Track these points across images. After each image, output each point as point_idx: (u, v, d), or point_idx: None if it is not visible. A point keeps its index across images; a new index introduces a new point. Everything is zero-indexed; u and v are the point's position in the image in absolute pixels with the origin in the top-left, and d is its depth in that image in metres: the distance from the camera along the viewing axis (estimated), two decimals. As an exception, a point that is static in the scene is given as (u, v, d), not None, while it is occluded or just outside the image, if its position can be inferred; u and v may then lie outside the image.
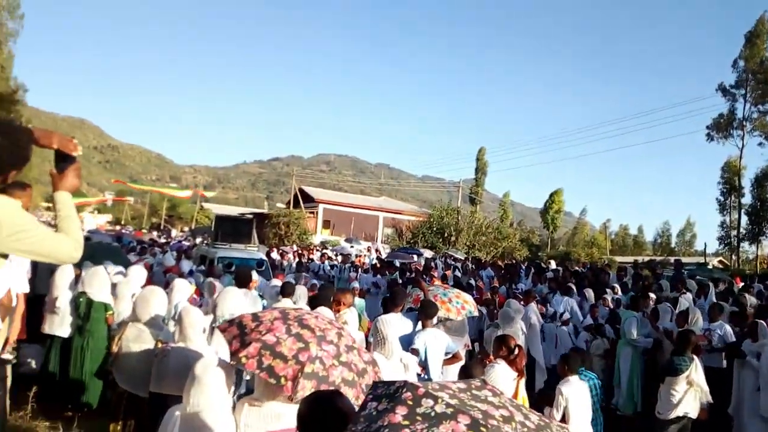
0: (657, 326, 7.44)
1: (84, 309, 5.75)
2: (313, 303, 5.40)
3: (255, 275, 7.20)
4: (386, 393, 1.62)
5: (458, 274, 14.43)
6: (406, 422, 1.43)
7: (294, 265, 16.59)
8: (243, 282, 6.08)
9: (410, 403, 1.51)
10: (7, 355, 5.32)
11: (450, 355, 5.63)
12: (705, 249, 36.98)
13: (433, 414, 1.47)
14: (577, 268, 16.42)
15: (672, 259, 25.38)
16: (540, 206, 54.79)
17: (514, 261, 22.52)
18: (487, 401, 1.64)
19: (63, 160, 2.32)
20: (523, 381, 4.68)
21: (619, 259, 30.41)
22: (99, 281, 5.90)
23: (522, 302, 8.66)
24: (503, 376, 4.49)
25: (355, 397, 2.71)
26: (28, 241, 2.01)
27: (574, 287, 11.49)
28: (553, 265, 17.01)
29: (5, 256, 2.05)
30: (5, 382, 5.24)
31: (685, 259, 25.47)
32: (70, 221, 2.16)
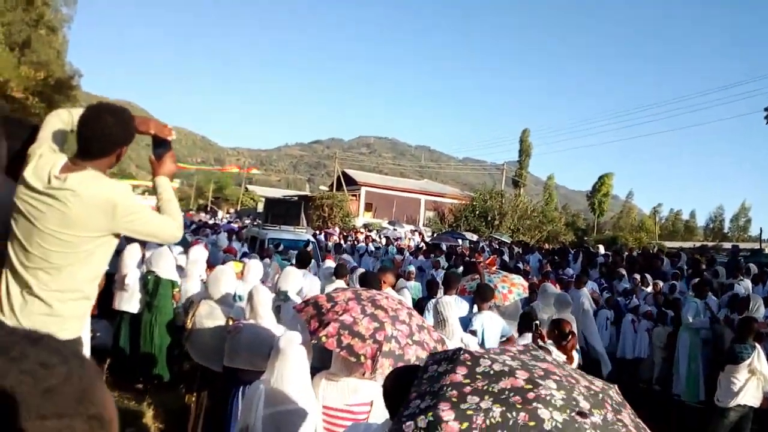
0: (717, 316, 7.31)
1: (152, 286, 6.03)
2: (362, 283, 5.47)
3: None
4: (445, 357, 1.66)
5: (505, 258, 14.36)
6: (467, 380, 1.47)
7: (333, 247, 16.81)
8: (303, 263, 6.24)
9: (469, 363, 1.54)
10: (85, 329, 5.68)
11: (505, 338, 5.69)
12: (761, 234, 35.38)
13: (491, 372, 1.50)
14: (627, 252, 16.03)
15: (725, 245, 24.51)
16: (585, 189, 53.57)
17: (563, 245, 22.17)
18: (546, 361, 1.69)
19: (159, 146, 2.47)
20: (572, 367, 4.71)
21: (668, 244, 29.48)
22: (165, 260, 6.16)
23: (573, 287, 8.60)
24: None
25: (429, 374, 2.82)
26: (139, 222, 2.16)
27: (624, 272, 11.32)
28: (602, 249, 16.68)
29: (117, 236, 2.22)
30: (83, 355, 5.59)
31: (740, 245, 24.51)
32: (171, 204, 2.32)
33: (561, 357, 4.61)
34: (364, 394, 2.92)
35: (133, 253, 6.41)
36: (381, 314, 2.95)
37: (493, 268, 9.29)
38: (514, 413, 1.36)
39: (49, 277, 2.08)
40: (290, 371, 2.67)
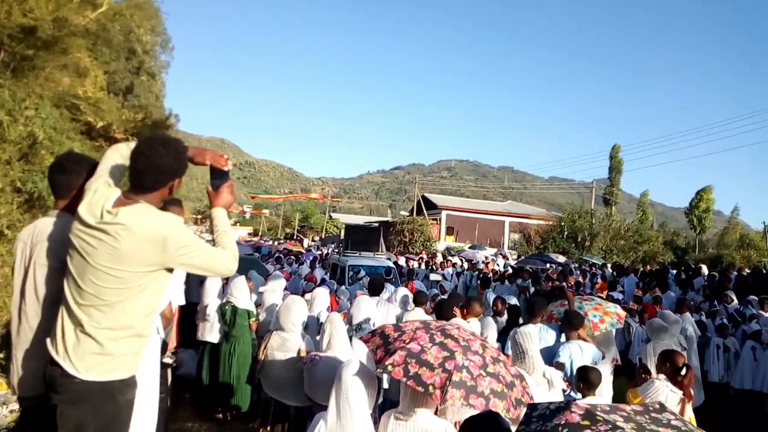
0: None
1: (230, 316, 6.07)
2: (438, 311, 5.22)
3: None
4: (551, 405, 1.49)
5: (597, 281, 13.52)
6: (586, 422, 1.30)
7: (423, 273, 16.54)
8: (375, 290, 6.10)
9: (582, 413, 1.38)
10: (168, 360, 5.80)
11: (595, 365, 5.21)
12: None
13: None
14: (737, 272, 14.56)
15: None
16: (683, 205, 49.89)
17: (662, 266, 20.60)
18: (670, 425, 1.42)
19: (217, 177, 2.41)
20: (690, 405, 4.14)
21: (782, 261, 26.63)
22: (241, 290, 6.21)
23: (676, 312, 7.87)
24: (664, 395, 4.01)
25: (505, 409, 2.58)
26: (191, 256, 2.09)
27: (733, 295, 10.25)
28: (705, 270, 15.31)
29: (170, 270, 2.16)
30: (167, 384, 5.71)
31: None
32: (226, 236, 2.24)
33: (677, 393, 4.10)
34: (436, 435, 2.69)
35: (214, 283, 6.53)
36: (451, 343, 2.73)
37: (603, 294, 8.65)
38: None
39: (101, 315, 2.03)
40: (348, 405, 2.50)
